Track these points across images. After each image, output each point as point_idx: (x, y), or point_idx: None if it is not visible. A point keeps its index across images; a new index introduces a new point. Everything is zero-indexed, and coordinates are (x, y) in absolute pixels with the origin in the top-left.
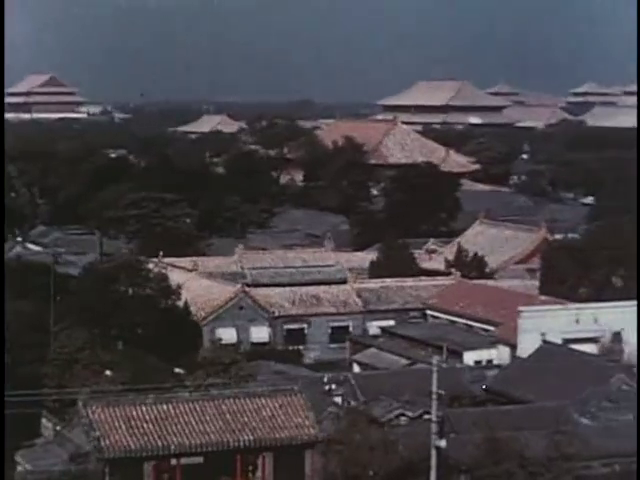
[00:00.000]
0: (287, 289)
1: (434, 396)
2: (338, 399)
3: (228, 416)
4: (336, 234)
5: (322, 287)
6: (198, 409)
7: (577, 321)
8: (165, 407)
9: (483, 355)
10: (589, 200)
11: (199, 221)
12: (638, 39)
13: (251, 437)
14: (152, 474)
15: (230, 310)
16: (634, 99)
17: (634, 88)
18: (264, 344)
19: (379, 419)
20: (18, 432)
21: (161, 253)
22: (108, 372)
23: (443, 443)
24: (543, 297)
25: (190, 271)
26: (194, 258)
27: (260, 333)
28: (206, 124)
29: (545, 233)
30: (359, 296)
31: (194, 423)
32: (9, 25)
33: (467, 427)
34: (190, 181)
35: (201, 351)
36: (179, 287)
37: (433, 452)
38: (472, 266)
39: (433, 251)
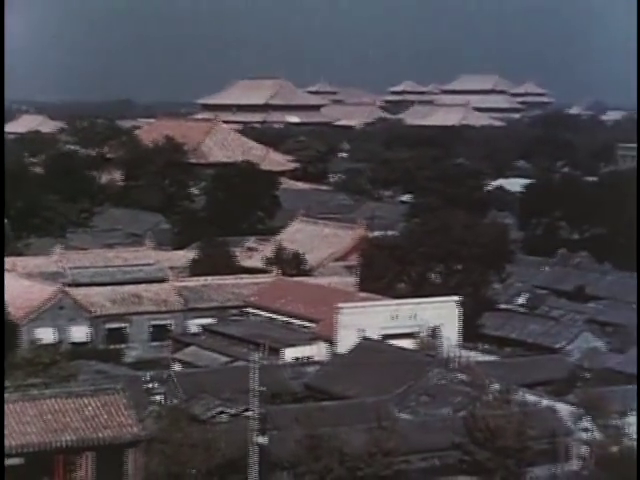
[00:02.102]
0: (108, 288)
1: (254, 393)
2: (160, 397)
3: (49, 416)
4: (157, 233)
5: (143, 286)
6: (18, 410)
7: (395, 317)
8: None
9: (303, 352)
10: (407, 198)
11: (17, 221)
12: (638, 42)
13: (73, 437)
14: None
15: (50, 310)
16: (451, 97)
17: (451, 86)
18: (85, 344)
19: (200, 417)
20: None
21: None
22: None
23: (264, 440)
24: (362, 294)
25: (8, 271)
26: (12, 258)
27: (80, 333)
28: (25, 124)
29: (364, 231)
30: (180, 294)
31: (14, 424)
32: None
33: (288, 424)
34: (7, 181)
35: (19, 351)
36: None
37: (254, 449)
38: (291, 264)
39: (253, 249)
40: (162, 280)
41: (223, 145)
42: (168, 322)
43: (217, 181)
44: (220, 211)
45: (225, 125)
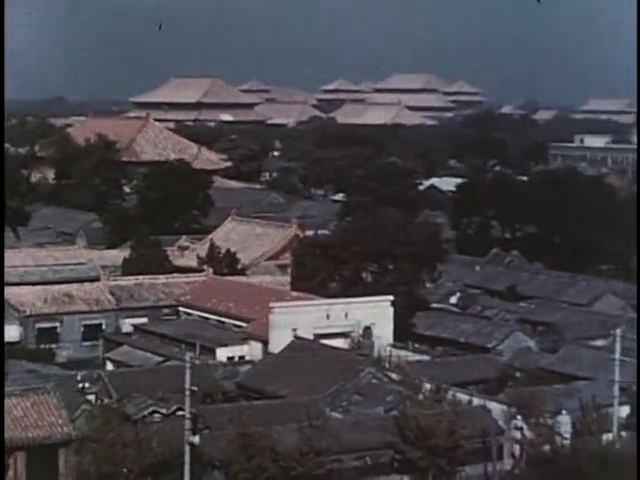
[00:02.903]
0: (39, 287)
1: (187, 393)
2: (91, 397)
3: None
4: (88, 232)
5: (74, 285)
6: None
7: (328, 316)
8: None
9: (235, 351)
10: (339, 197)
11: None
12: (638, 43)
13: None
14: None
15: None
16: (383, 96)
17: (383, 85)
18: (15, 343)
19: (132, 416)
20: None
21: None
22: None
23: (196, 439)
24: (294, 293)
25: None
26: None
27: (11, 332)
28: None
29: (296, 229)
30: (112, 294)
31: None
32: None
33: (220, 423)
34: None
35: None
36: None
37: (187, 448)
38: (224, 263)
39: (185, 248)
40: (94, 279)
41: (155, 143)
42: (100, 321)
43: (149, 179)
44: (152, 210)
45: (158, 123)
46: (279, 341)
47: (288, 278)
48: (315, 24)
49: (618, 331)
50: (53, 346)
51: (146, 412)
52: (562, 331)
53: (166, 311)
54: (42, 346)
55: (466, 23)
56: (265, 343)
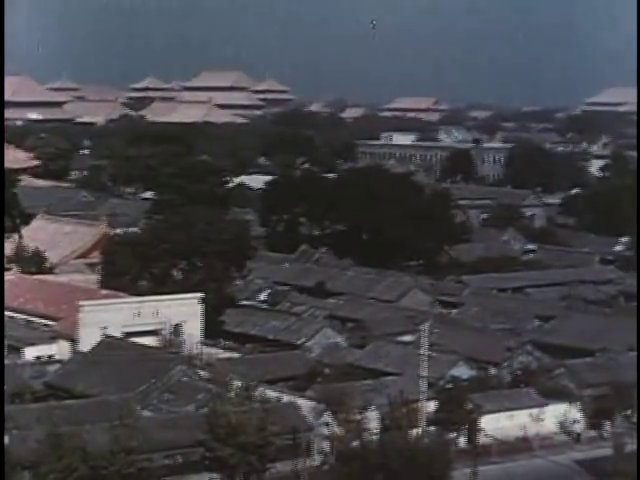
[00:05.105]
0: None
1: None
2: None
3: None
4: None
5: None
6: None
7: (138, 314)
8: None
9: (44, 350)
10: (149, 195)
11: None
12: (638, 40)
13: None
14: None
15: None
16: (193, 94)
17: (193, 83)
18: None
19: None
20: None
21: None
22: None
23: (5, 440)
24: (104, 291)
25: None
26: None
27: None
28: None
29: (105, 228)
30: None
31: None
32: None
33: (29, 423)
34: None
35: None
36: None
37: None
38: (32, 261)
39: None
40: None
41: None
42: None
43: None
44: None
45: None
46: (88, 340)
47: (97, 276)
48: (125, 22)
49: (425, 326)
50: None
51: None
52: (370, 327)
53: None
54: None
55: (275, 22)
56: (74, 342)
